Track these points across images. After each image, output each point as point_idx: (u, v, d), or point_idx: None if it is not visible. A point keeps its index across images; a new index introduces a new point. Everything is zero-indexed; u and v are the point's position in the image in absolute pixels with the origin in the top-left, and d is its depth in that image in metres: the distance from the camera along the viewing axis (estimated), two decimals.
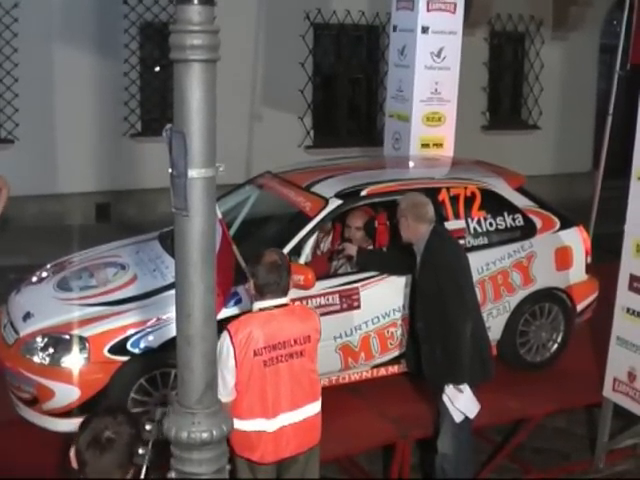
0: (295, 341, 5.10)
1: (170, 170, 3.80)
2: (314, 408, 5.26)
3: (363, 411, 7.00)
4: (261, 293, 5.14)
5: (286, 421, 5.11)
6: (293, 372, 5.11)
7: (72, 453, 3.27)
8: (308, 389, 5.22)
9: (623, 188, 6.85)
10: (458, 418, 6.12)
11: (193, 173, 3.72)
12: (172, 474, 4.05)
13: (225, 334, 4.97)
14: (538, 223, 7.87)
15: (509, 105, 17.25)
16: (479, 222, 7.57)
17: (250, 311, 5.28)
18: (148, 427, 3.35)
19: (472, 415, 6.13)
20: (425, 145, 9.34)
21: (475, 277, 6.75)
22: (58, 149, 13.31)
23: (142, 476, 3.32)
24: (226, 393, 4.97)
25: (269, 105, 14.48)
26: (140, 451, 3.27)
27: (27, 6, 12.75)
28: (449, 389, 6.08)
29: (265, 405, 5.05)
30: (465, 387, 6.06)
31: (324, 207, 7.04)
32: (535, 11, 16.32)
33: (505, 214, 7.72)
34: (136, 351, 6.36)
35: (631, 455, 7.45)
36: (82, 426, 3.27)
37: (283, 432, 5.12)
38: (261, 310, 5.14)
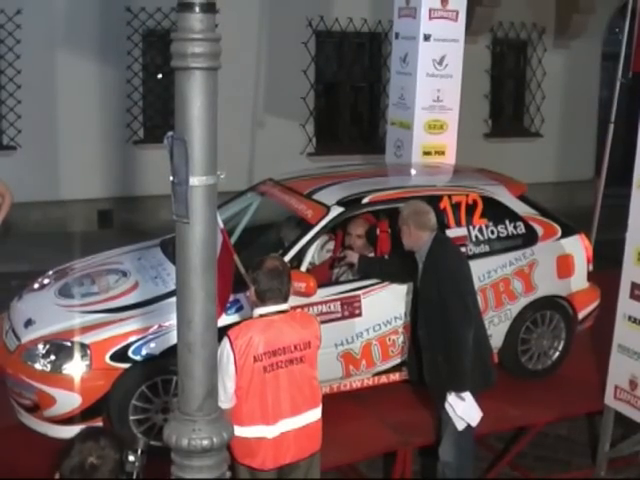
0: (295, 347, 5.10)
1: (171, 177, 3.80)
2: (315, 414, 5.26)
3: (364, 418, 6.99)
4: (262, 299, 5.15)
5: (286, 427, 5.11)
6: (293, 378, 5.11)
7: (57, 478, 3.19)
8: (308, 395, 5.21)
9: (625, 196, 6.85)
10: (460, 426, 6.12)
11: (194, 180, 3.73)
12: (174, 477, 4.05)
13: (225, 340, 4.97)
14: (540, 231, 7.87)
15: (511, 113, 17.27)
16: (481, 230, 7.57)
17: (251, 318, 5.28)
18: (131, 458, 3.19)
19: (474, 423, 6.13)
20: (427, 153, 9.35)
21: (477, 285, 6.75)
22: (60, 156, 13.34)
23: None
24: (226, 399, 4.97)
25: (271, 112, 14.50)
26: None
27: (30, 13, 12.79)
28: (451, 397, 6.07)
29: (265, 411, 5.04)
30: (467, 395, 6.06)
31: (326, 215, 7.04)
32: (537, 19, 16.34)
33: (507, 222, 7.72)
34: (137, 358, 6.36)
35: (633, 463, 7.42)
36: (66, 451, 3.18)
37: (283, 438, 5.11)
38: (261, 316, 5.14)
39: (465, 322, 6.05)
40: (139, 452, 3.22)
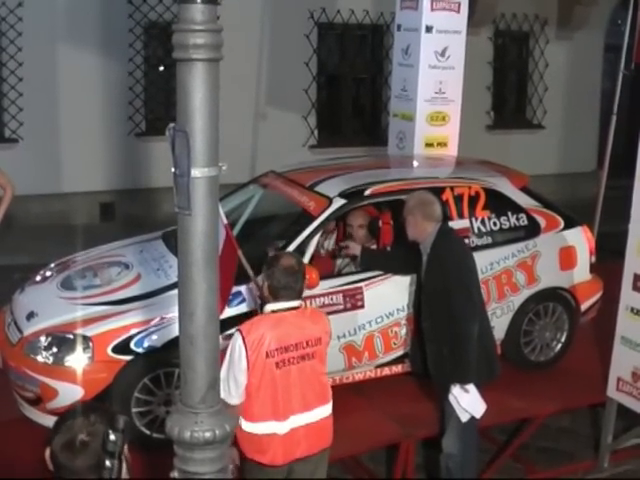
0: (307, 343, 5.08)
1: (173, 169, 3.79)
2: (325, 410, 5.23)
3: (367, 411, 6.99)
4: (275, 296, 5.11)
5: (297, 423, 5.08)
6: (304, 374, 5.09)
7: (47, 455, 3.15)
8: (319, 391, 5.20)
9: (627, 187, 6.84)
10: (464, 418, 6.10)
11: (196, 172, 3.71)
12: (175, 474, 4.04)
13: (237, 335, 4.96)
14: (542, 223, 7.86)
15: (513, 104, 17.26)
16: (483, 222, 7.56)
17: (256, 311, 5.27)
18: (112, 437, 3.09)
19: (478, 415, 6.12)
20: (429, 144, 9.34)
21: (479, 276, 6.73)
22: (62, 148, 13.33)
23: None
24: (237, 395, 4.97)
25: (273, 104, 14.48)
26: (107, 464, 3.08)
27: (31, 5, 12.77)
28: (455, 389, 6.05)
29: (276, 407, 5.02)
30: (471, 387, 6.04)
31: (328, 206, 7.03)
32: (539, 10, 16.32)
33: (509, 214, 7.71)
34: (140, 350, 6.36)
35: (635, 455, 7.43)
36: (56, 427, 3.14)
37: (293, 434, 5.09)
38: (273, 312, 5.12)
39: (469, 314, 6.04)
40: (120, 430, 3.14)
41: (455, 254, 6.26)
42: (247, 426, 5.02)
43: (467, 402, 6.05)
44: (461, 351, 6.02)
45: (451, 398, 6.09)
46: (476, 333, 6.03)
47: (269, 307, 5.15)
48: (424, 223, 6.27)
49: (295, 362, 5.04)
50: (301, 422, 5.10)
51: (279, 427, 5.05)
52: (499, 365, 6.49)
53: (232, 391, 4.93)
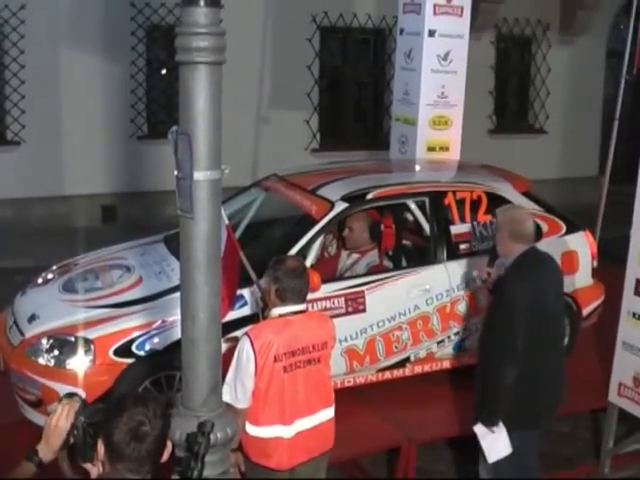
0: (313, 347, 5.09)
1: (176, 172, 3.80)
2: (328, 413, 5.25)
3: (368, 415, 6.98)
4: (283, 299, 5.10)
5: (302, 427, 5.09)
6: (310, 378, 5.09)
7: (100, 445, 3.25)
8: (323, 395, 5.21)
9: (629, 193, 6.83)
10: (488, 458, 5.71)
11: (199, 175, 3.72)
12: (176, 476, 4.04)
13: (245, 339, 4.95)
14: (544, 227, 7.84)
15: (515, 109, 17.25)
16: (485, 226, 7.55)
17: (258, 315, 5.26)
18: (199, 439, 3.40)
19: (491, 459, 5.69)
20: (431, 149, 9.35)
21: (481, 282, 6.69)
22: (64, 151, 13.32)
23: None
24: (244, 400, 4.97)
25: (276, 108, 14.48)
26: (192, 464, 3.35)
27: (34, 8, 12.76)
28: (477, 427, 5.69)
29: (283, 411, 5.02)
30: (498, 429, 5.61)
31: (330, 210, 7.03)
32: (542, 15, 16.32)
33: None
34: (141, 353, 6.36)
35: (636, 460, 7.40)
36: (112, 418, 3.21)
37: (299, 438, 5.09)
38: (280, 316, 5.11)
39: (505, 359, 5.46)
40: (207, 434, 3.44)
41: (515, 292, 5.53)
42: (253, 430, 5.01)
43: (487, 444, 5.67)
44: (487, 389, 5.63)
45: (476, 431, 5.72)
46: (508, 380, 5.45)
47: (276, 311, 5.14)
48: (510, 242, 5.69)
49: (302, 366, 5.04)
50: (306, 426, 5.11)
51: (285, 431, 5.04)
52: (550, 417, 6.07)
53: (239, 396, 4.92)
